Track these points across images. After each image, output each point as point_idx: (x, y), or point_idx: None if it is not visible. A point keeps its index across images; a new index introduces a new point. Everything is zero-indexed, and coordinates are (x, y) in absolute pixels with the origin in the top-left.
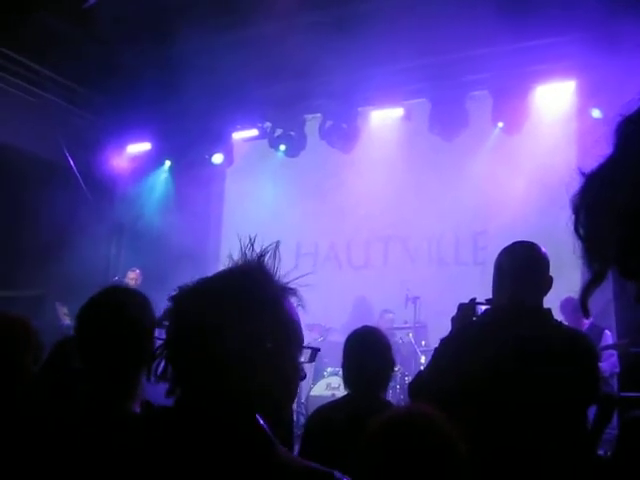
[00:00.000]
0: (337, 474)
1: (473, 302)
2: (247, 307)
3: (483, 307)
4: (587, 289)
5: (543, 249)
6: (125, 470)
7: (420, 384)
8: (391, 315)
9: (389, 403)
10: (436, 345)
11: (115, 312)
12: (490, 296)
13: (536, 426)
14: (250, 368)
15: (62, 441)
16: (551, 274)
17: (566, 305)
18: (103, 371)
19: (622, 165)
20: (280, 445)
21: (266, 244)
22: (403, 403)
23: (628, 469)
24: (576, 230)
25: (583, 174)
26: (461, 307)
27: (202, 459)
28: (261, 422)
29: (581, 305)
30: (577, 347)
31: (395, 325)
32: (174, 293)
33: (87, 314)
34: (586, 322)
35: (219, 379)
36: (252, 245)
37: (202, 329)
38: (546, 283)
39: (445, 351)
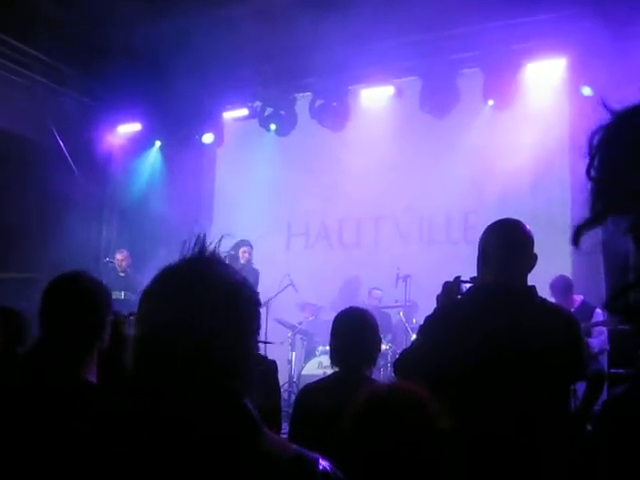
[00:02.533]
0: (321, 460)
1: (458, 280)
2: (229, 298)
3: (467, 285)
4: (583, 226)
5: (527, 227)
6: (77, 435)
7: (405, 362)
8: (379, 292)
9: (375, 380)
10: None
11: (71, 290)
12: (476, 275)
13: (522, 402)
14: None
15: (16, 409)
16: (542, 251)
17: (556, 284)
18: (59, 341)
19: None
20: (266, 428)
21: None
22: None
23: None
24: (588, 171)
25: (610, 112)
26: (446, 285)
27: (181, 441)
28: (248, 404)
29: (573, 238)
30: (560, 323)
31: (386, 303)
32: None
33: (48, 293)
34: (577, 300)
35: (201, 365)
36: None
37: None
38: (530, 261)
39: (430, 329)
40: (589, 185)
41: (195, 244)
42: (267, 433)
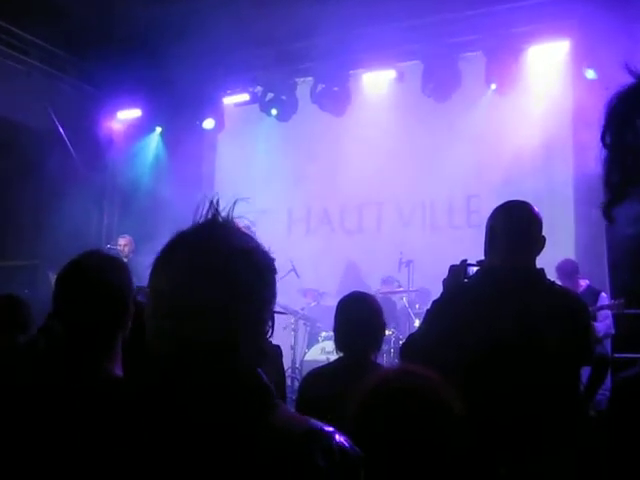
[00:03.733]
0: (337, 435)
1: (464, 264)
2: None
3: (474, 269)
4: (609, 204)
5: (536, 209)
6: (108, 432)
7: (412, 347)
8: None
9: (380, 365)
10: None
11: (92, 275)
12: (483, 258)
13: (532, 387)
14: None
15: (41, 405)
16: (545, 235)
17: (562, 267)
18: (80, 333)
19: None
20: (280, 401)
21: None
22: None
23: (620, 429)
24: (603, 137)
25: (635, 75)
26: (452, 269)
27: (195, 420)
28: (262, 375)
29: (605, 217)
30: (570, 306)
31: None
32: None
33: (65, 277)
34: (583, 284)
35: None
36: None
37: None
38: (539, 243)
39: (438, 314)
40: (604, 153)
41: (209, 209)
42: (281, 406)
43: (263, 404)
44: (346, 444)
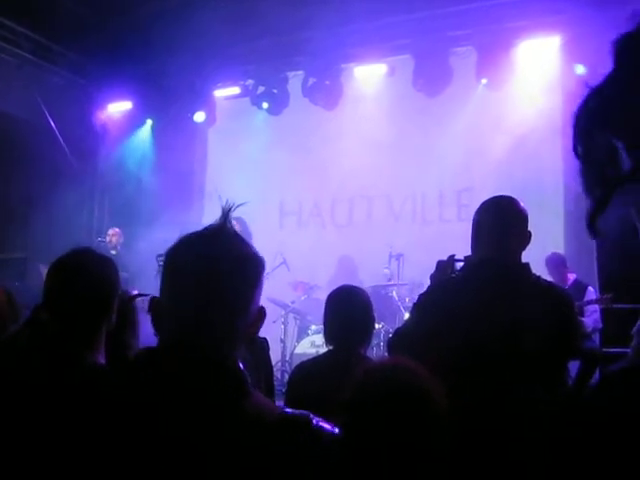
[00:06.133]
0: (313, 417)
1: (451, 259)
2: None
3: (461, 264)
4: (593, 215)
5: (521, 204)
6: (90, 420)
7: (400, 340)
8: (387, 271)
9: (370, 359)
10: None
11: (80, 269)
12: (470, 254)
13: (515, 379)
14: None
15: (24, 394)
16: (535, 229)
17: (551, 261)
18: (66, 323)
19: (618, 82)
20: (256, 390)
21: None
22: None
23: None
24: (575, 148)
25: (588, 87)
26: (439, 264)
27: (171, 406)
28: (239, 366)
29: (590, 230)
30: (554, 301)
31: (378, 282)
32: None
33: (54, 271)
34: (570, 278)
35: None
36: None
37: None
38: (524, 238)
39: (424, 307)
40: (579, 165)
41: (222, 214)
42: (255, 394)
43: (236, 391)
44: (324, 427)
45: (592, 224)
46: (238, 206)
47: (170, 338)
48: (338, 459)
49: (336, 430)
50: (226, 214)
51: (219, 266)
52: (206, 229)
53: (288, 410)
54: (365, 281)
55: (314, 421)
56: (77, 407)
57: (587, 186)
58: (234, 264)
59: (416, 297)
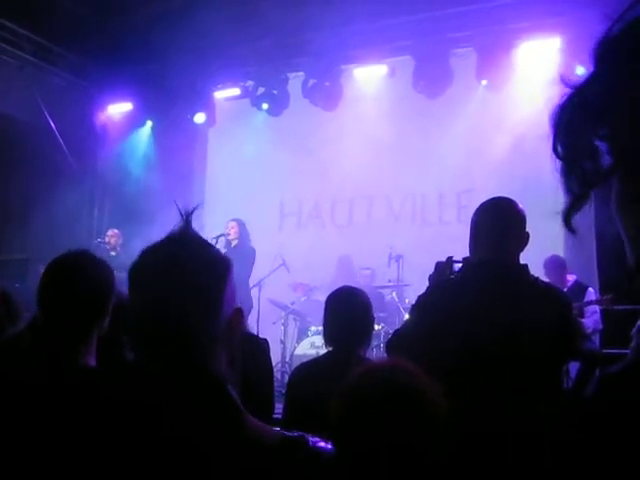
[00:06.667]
0: (309, 438)
1: (450, 260)
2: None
3: (460, 265)
4: (569, 211)
5: (520, 205)
6: (83, 423)
7: (398, 342)
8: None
9: (369, 360)
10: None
11: (75, 271)
12: (468, 255)
13: (515, 382)
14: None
15: (19, 395)
16: (535, 230)
17: (550, 263)
18: (58, 324)
19: (599, 82)
20: (249, 415)
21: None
22: None
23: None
24: (554, 148)
25: (568, 86)
26: (438, 265)
27: (163, 426)
28: (232, 392)
29: (566, 225)
30: (552, 302)
31: (378, 283)
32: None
33: (48, 273)
34: (570, 279)
35: (188, 347)
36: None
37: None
38: (522, 239)
39: (423, 309)
40: (559, 164)
41: (182, 221)
42: (251, 418)
43: (234, 417)
44: (320, 446)
45: (567, 220)
46: (195, 209)
47: (145, 353)
48: (337, 471)
49: (329, 447)
50: (187, 218)
51: (184, 270)
52: (168, 236)
53: (285, 432)
54: (364, 282)
55: (310, 442)
56: (67, 409)
57: (567, 185)
58: (199, 267)
59: (415, 299)
